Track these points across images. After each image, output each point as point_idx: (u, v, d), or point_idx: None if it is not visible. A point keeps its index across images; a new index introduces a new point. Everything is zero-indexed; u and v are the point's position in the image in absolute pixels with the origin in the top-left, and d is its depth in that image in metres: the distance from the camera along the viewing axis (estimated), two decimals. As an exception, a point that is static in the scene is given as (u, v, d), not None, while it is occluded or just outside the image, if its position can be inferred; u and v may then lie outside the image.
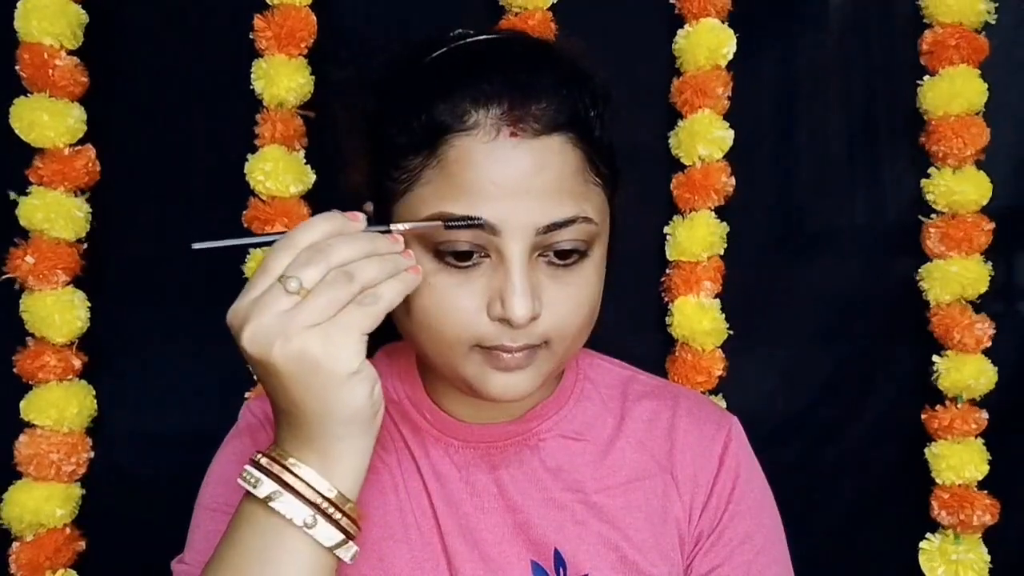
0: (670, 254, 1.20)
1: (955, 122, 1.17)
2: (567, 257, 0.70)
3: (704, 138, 1.17)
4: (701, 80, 1.17)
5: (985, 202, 1.17)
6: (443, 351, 0.71)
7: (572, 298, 0.71)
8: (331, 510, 0.61)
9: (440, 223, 0.67)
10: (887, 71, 1.23)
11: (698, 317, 1.18)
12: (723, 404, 1.18)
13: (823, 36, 1.25)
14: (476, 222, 0.66)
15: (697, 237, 1.18)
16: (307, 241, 0.61)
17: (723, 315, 1.19)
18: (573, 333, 0.72)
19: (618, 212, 0.77)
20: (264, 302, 0.58)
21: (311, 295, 0.58)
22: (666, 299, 1.21)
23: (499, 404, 0.79)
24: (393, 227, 0.67)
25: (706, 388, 1.18)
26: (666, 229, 1.21)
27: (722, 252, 1.20)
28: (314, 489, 0.61)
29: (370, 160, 0.75)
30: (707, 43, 1.17)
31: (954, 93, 1.16)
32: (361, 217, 0.65)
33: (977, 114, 1.18)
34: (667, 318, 1.20)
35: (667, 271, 1.21)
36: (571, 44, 0.78)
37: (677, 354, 1.20)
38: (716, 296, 1.19)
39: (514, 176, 0.67)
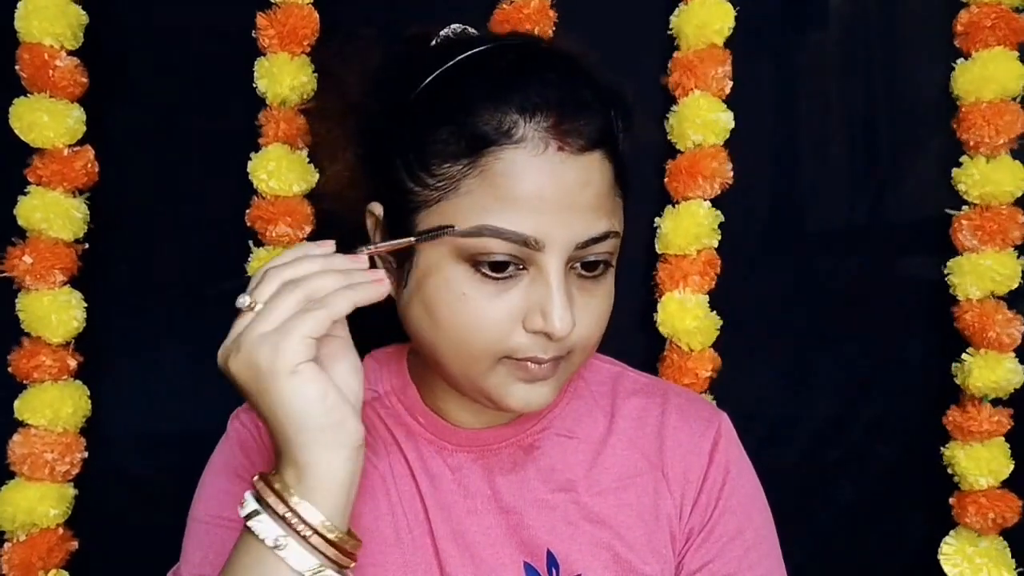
0: (658, 246, 1.15)
1: (988, 108, 1.12)
2: (594, 269, 0.71)
3: (695, 122, 1.11)
4: (692, 60, 1.11)
5: (1020, 193, 1.13)
6: (468, 363, 0.71)
7: (597, 308, 0.73)
8: (304, 530, 0.61)
9: (411, 240, 0.69)
10: (898, 59, 1.21)
11: (681, 315, 1.13)
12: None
13: (831, 23, 1.22)
14: (445, 231, 0.67)
15: (684, 228, 1.12)
16: (272, 266, 0.65)
17: (715, 312, 1.15)
18: (593, 343, 0.74)
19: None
20: (233, 326, 0.63)
21: (264, 308, 0.62)
22: (656, 295, 1.17)
23: (488, 409, 0.79)
24: (359, 249, 0.68)
25: (699, 390, 1.15)
26: (657, 220, 1.15)
27: (716, 245, 1.15)
28: (286, 504, 0.62)
29: (384, 162, 0.74)
30: (700, 19, 1.10)
31: (988, 77, 1.11)
32: (331, 244, 0.67)
33: (1015, 99, 1.13)
34: (655, 315, 1.16)
35: (656, 265, 1.16)
36: (587, 53, 0.78)
37: (666, 354, 1.16)
38: (708, 292, 1.14)
39: (560, 191, 0.67)
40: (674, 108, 1.14)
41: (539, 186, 0.67)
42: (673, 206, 1.15)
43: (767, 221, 1.22)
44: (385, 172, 0.74)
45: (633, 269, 1.17)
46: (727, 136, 1.13)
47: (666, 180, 1.15)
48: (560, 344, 0.70)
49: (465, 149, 0.68)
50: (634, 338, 1.18)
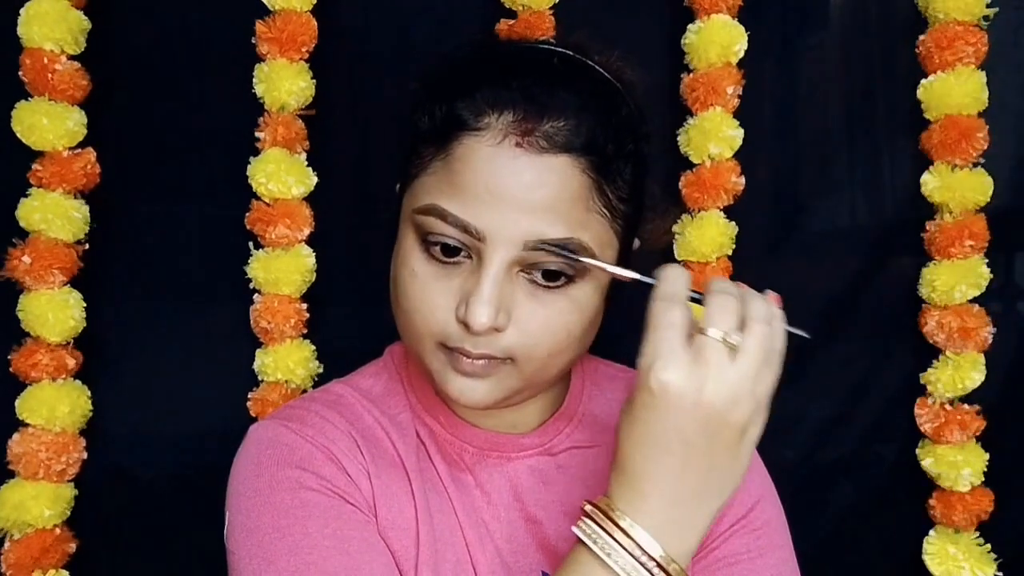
0: (679, 254, 1.19)
1: (955, 121, 1.16)
2: (553, 279, 0.70)
3: (715, 136, 1.16)
4: (712, 77, 1.16)
5: (985, 201, 1.17)
6: (415, 341, 0.73)
7: (546, 321, 0.70)
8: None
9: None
10: (891, 69, 1.22)
11: (702, 318, 1.17)
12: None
13: (828, 34, 1.24)
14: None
15: (706, 237, 1.17)
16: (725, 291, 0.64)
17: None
18: (542, 356, 0.71)
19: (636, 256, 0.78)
20: (701, 349, 0.61)
21: (753, 365, 0.62)
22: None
23: (503, 413, 0.80)
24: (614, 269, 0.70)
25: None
26: (675, 228, 1.19)
27: (731, 252, 1.18)
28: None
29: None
30: (719, 40, 1.16)
31: (955, 92, 1.15)
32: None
33: (978, 114, 1.17)
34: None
35: None
36: (622, 71, 0.77)
37: None
38: None
39: (508, 187, 0.67)
40: (691, 121, 1.18)
41: (488, 177, 0.67)
42: (691, 216, 1.19)
43: (770, 226, 1.25)
44: (403, 153, 0.77)
45: (646, 273, 1.20)
46: (737, 149, 1.18)
47: (684, 191, 1.19)
48: (489, 343, 0.69)
49: (437, 133, 0.70)
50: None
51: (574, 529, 0.62)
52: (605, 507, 0.62)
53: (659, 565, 0.59)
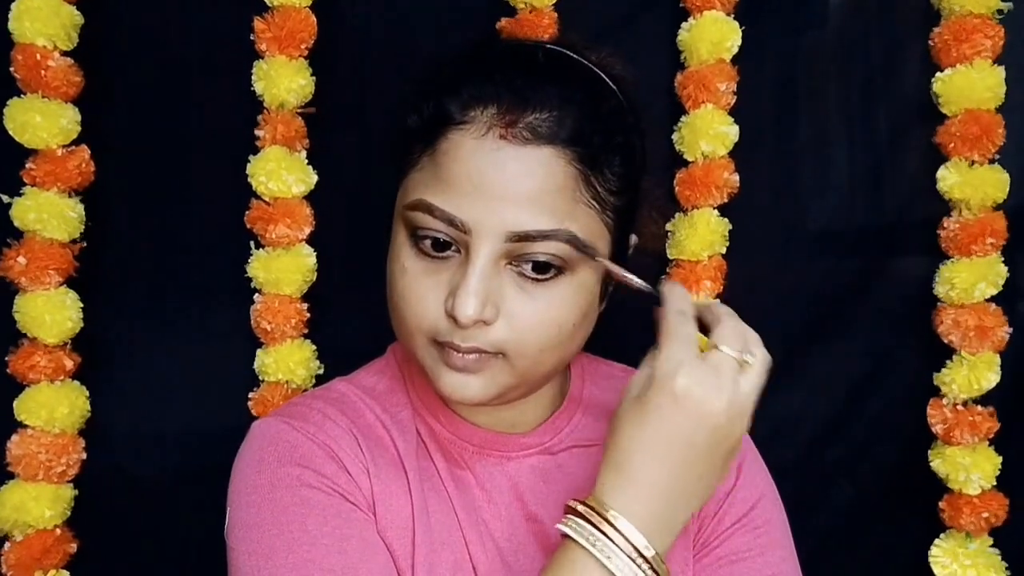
0: (671, 252, 1.19)
1: (976, 116, 1.14)
2: (543, 271, 0.69)
3: (707, 134, 1.15)
4: (703, 74, 1.16)
5: (1003, 198, 1.15)
6: (408, 337, 0.73)
7: (537, 314, 0.70)
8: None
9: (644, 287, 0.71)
10: (897, 62, 1.21)
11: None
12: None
13: (827, 30, 1.23)
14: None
15: (698, 235, 1.16)
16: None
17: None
18: (533, 351, 0.71)
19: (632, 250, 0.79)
20: (722, 367, 0.65)
21: (757, 378, 0.67)
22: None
23: (501, 411, 0.80)
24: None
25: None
26: (668, 227, 1.19)
27: (724, 251, 1.17)
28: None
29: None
30: (712, 36, 1.15)
31: (976, 87, 1.14)
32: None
33: (996, 109, 1.16)
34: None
35: (667, 270, 1.19)
36: (612, 65, 0.77)
37: None
38: (717, 296, 1.16)
39: (492, 179, 0.67)
40: (684, 119, 1.18)
41: (474, 169, 0.67)
42: (684, 214, 1.19)
43: (767, 225, 1.23)
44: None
45: (646, 274, 1.19)
46: (732, 147, 1.17)
47: (677, 189, 1.18)
48: (479, 337, 0.69)
49: (425, 130, 0.71)
50: (643, 342, 1.19)
51: (565, 529, 0.63)
52: (598, 507, 0.63)
53: (651, 566, 0.62)
